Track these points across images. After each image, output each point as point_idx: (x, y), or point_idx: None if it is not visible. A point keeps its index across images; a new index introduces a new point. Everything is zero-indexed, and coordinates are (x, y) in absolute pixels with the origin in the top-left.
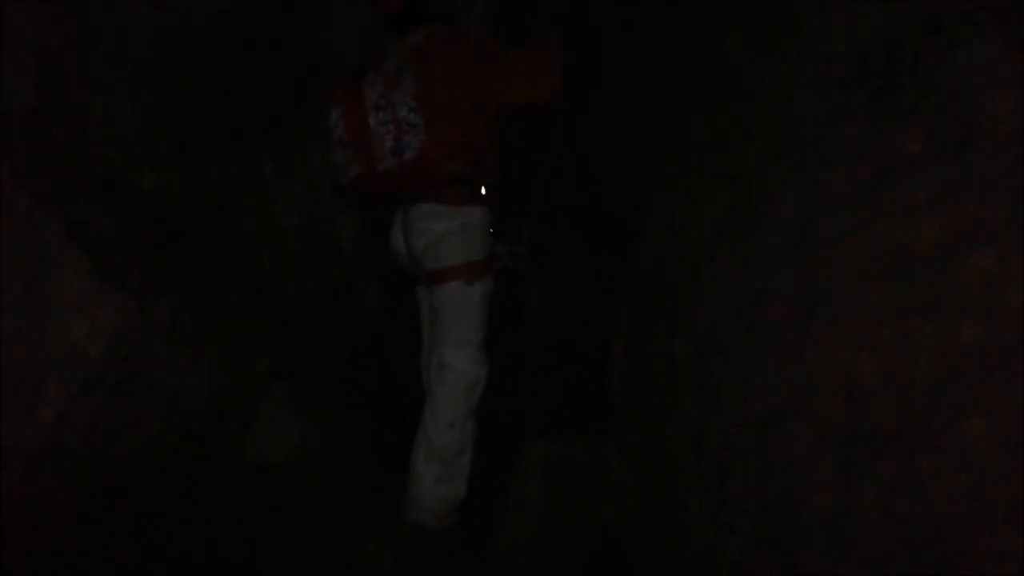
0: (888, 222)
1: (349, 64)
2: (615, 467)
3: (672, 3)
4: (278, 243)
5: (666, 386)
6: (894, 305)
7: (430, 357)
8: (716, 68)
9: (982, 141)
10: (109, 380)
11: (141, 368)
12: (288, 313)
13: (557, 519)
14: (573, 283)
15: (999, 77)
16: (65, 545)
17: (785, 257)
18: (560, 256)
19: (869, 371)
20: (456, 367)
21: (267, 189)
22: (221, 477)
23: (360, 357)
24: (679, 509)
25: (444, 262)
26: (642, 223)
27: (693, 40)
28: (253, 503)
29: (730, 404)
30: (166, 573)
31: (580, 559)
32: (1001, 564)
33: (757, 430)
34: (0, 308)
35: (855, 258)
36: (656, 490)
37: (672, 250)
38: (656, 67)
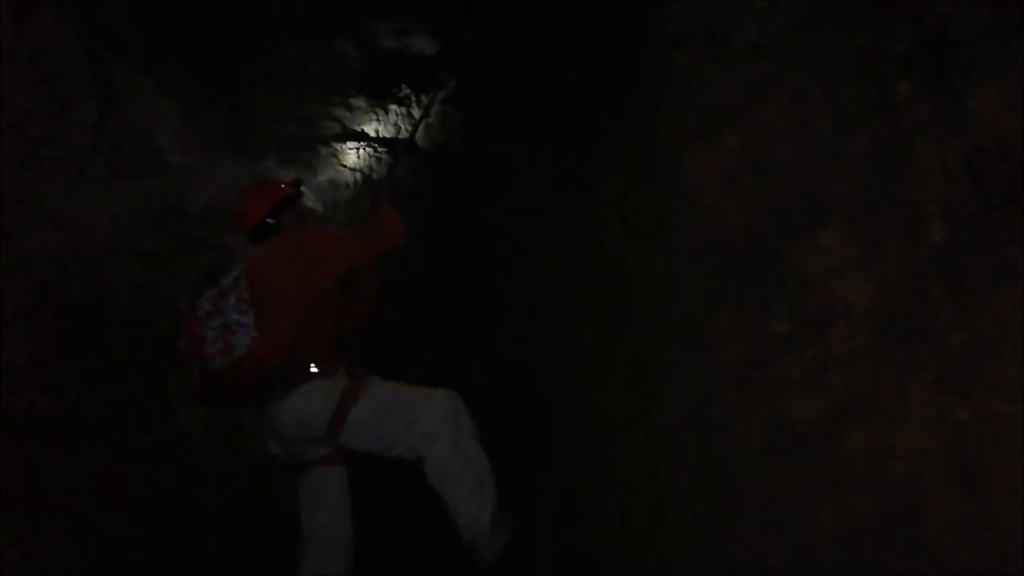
0: (770, 401)
1: None
2: None
3: (556, 193)
4: (182, 455)
5: (588, 571)
6: (790, 483)
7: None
8: (599, 258)
9: (840, 322)
10: None
11: None
12: (194, 526)
13: None
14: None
15: (846, 263)
16: None
17: (685, 440)
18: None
19: (777, 551)
20: (435, 429)
21: (170, 401)
22: None
23: (272, 566)
24: None
25: (323, 418)
26: (551, 407)
27: (576, 232)
28: None
29: None
30: None
31: None
32: None
33: None
34: None
35: (747, 439)
36: None
37: (580, 436)
38: (545, 254)
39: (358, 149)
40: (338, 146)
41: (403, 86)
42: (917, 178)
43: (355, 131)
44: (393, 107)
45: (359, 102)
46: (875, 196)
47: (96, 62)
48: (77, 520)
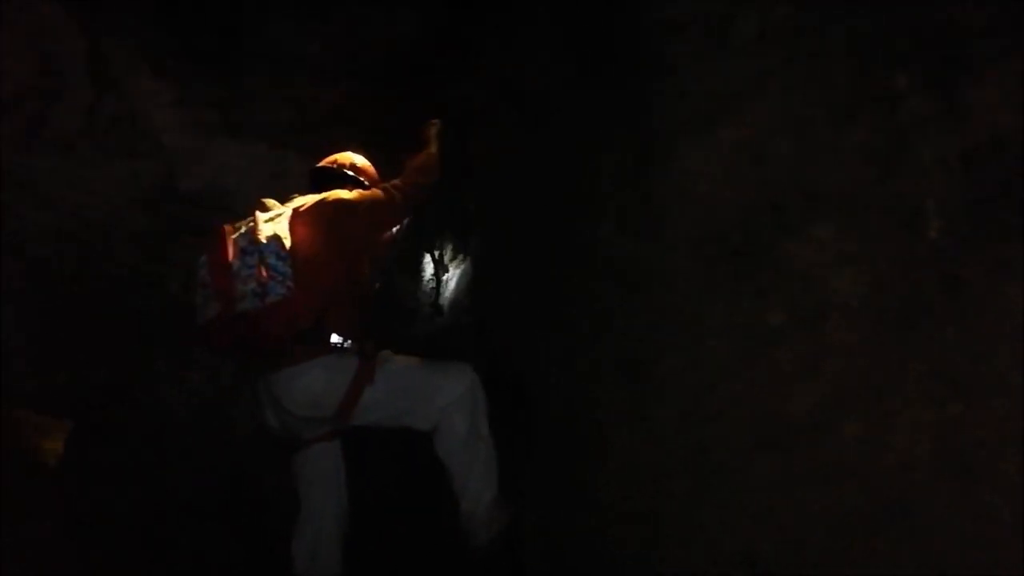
0: (764, 393)
1: None
2: None
3: (551, 183)
4: (171, 437)
5: (579, 561)
6: (783, 474)
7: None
8: (593, 249)
9: (835, 314)
10: None
11: None
12: (181, 509)
13: None
14: None
15: (841, 256)
16: None
17: (678, 431)
18: None
19: (768, 542)
20: (454, 402)
21: (160, 382)
22: None
23: (259, 553)
24: None
25: (335, 398)
26: (543, 397)
27: (571, 222)
28: None
29: None
30: None
31: None
32: None
33: None
34: None
35: (741, 429)
36: None
37: (572, 427)
38: (539, 244)
39: (352, 134)
40: (332, 131)
41: (398, 71)
42: (914, 173)
43: (349, 116)
44: (388, 92)
45: (353, 86)
46: (871, 190)
47: (92, 43)
48: (62, 503)
